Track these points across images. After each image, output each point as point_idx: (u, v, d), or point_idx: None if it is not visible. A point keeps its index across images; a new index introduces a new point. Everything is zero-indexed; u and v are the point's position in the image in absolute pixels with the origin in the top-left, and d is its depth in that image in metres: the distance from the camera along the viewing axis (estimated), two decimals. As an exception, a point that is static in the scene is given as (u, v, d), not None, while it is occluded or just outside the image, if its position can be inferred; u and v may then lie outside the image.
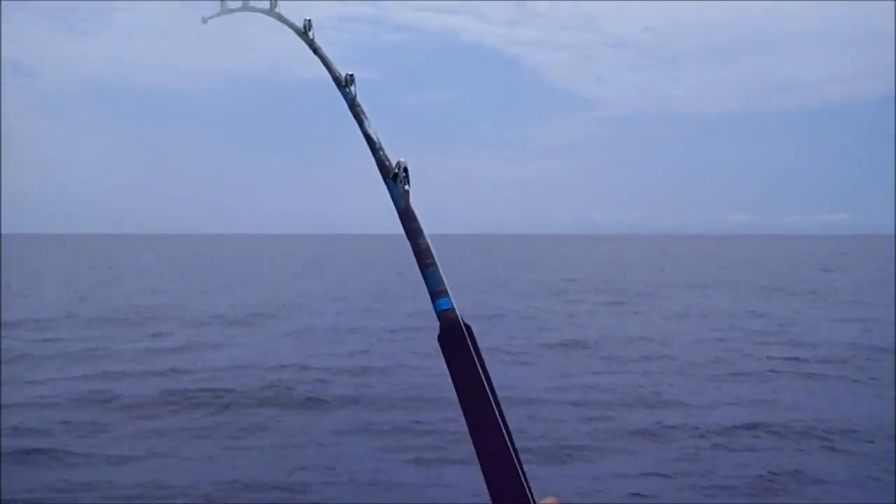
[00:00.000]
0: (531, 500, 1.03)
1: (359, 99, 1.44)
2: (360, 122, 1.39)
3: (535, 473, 1.04)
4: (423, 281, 1.27)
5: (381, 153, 1.31)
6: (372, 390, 11.28)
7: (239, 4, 1.72)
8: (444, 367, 1.16)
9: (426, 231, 1.30)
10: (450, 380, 1.17)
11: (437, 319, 1.24)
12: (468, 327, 1.17)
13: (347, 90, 1.47)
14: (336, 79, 1.50)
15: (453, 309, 1.19)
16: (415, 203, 1.30)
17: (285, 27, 1.67)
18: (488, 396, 1.16)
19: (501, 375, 11.88)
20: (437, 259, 1.23)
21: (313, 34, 1.64)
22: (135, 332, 17.82)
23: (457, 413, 1.14)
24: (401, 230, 1.25)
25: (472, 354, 1.16)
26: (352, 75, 1.45)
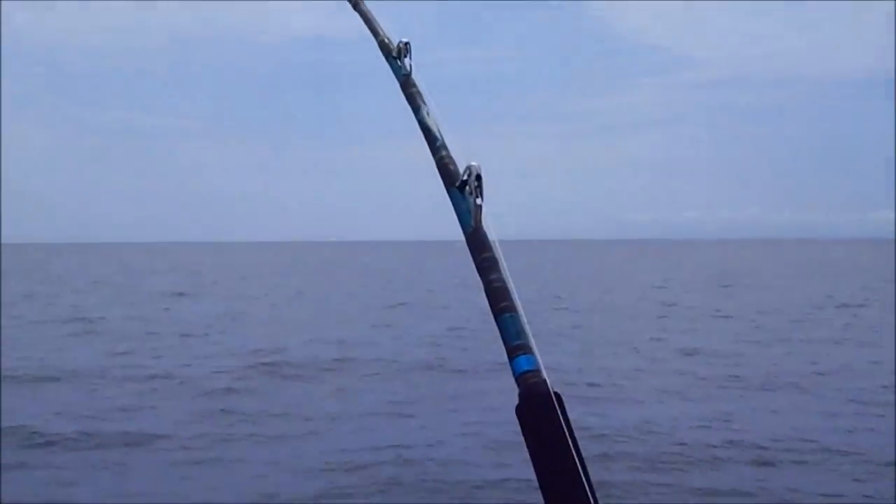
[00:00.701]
0: None
1: (415, 76, 1.11)
2: (416, 109, 1.08)
3: None
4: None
5: (445, 153, 1.01)
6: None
7: None
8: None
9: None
10: (530, 465, 0.95)
11: (514, 384, 0.99)
12: (558, 396, 0.96)
13: (399, 63, 1.14)
14: (384, 47, 1.18)
15: (538, 371, 0.97)
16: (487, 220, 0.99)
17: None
18: (585, 492, 0.92)
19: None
20: (517, 302, 0.94)
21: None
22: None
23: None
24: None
25: (563, 433, 0.93)
26: (407, 43, 1.14)
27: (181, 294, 33.24)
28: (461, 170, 0.99)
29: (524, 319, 0.97)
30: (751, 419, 10.70)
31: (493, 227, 0.97)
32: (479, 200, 1.00)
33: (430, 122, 1.07)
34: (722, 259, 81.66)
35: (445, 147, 1.04)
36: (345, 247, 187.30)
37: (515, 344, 0.97)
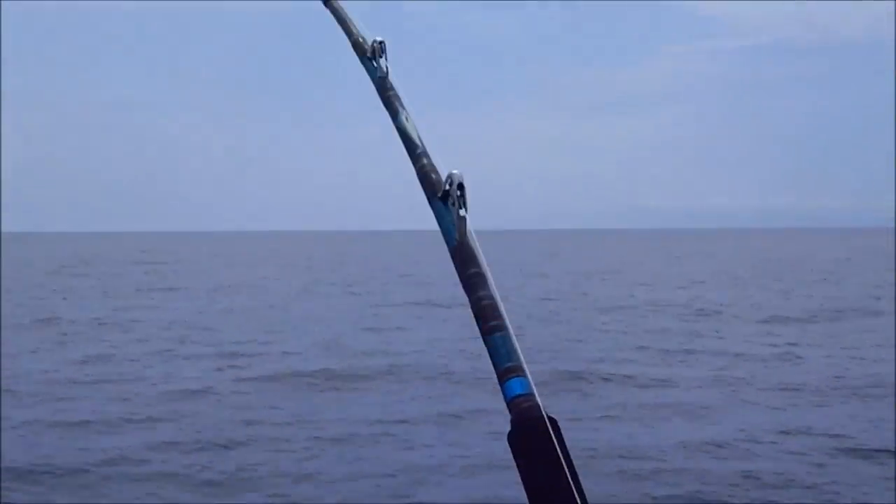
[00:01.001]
0: None
1: (393, 77, 1.06)
2: (395, 114, 1.03)
3: None
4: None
5: (426, 161, 0.97)
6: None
7: None
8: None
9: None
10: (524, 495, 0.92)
11: (506, 410, 0.95)
12: (553, 422, 0.92)
13: (375, 64, 1.09)
14: (358, 47, 1.13)
15: (532, 395, 0.93)
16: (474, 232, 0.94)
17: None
18: None
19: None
20: (507, 320, 0.90)
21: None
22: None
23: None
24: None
25: (559, 462, 0.90)
26: (382, 42, 1.09)
27: (158, 290, 31.71)
28: (443, 178, 0.95)
29: (514, 339, 0.93)
30: (814, 434, 10.16)
31: (479, 240, 0.92)
32: (462, 212, 0.95)
33: (410, 127, 1.03)
34: (758, 250, 78.35)
35: (427, 154, 1.00)
36: (347, 237, 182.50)
37: (507, 366, 0.93)
